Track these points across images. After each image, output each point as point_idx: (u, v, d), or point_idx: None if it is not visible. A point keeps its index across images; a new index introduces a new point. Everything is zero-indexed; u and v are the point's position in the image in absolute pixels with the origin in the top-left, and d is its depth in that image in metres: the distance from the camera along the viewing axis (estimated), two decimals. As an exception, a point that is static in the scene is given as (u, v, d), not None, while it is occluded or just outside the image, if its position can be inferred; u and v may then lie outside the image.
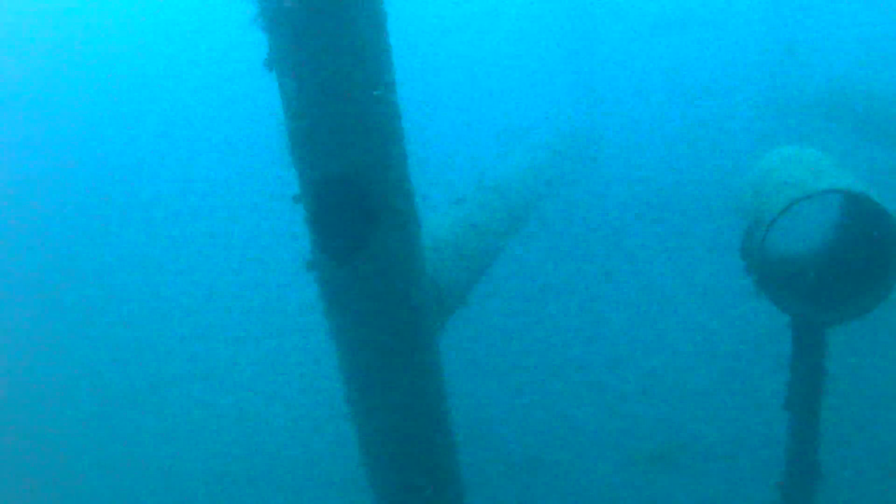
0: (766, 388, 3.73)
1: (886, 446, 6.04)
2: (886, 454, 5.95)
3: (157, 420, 8.38)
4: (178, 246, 13.18)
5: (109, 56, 19.76)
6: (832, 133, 10.84)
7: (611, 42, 15.67)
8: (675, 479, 6.20)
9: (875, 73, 10.64)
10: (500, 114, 17.97)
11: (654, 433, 6.81)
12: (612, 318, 8.91)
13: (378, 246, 3.11)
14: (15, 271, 12.60)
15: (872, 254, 3.16)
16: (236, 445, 7.74)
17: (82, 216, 15.11)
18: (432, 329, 3.56)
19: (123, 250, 13.61)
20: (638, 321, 8.74)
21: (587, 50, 15.01)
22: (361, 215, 3.04)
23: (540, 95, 18.11)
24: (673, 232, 10.33)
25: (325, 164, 2.99)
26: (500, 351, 8.59)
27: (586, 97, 14.96)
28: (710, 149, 14.34)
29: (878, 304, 3.11)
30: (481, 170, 6.62)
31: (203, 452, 7.68)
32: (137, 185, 16.24)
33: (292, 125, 2.99)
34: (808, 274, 3.50)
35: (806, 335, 3.31)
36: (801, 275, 3.50)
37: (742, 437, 6.34)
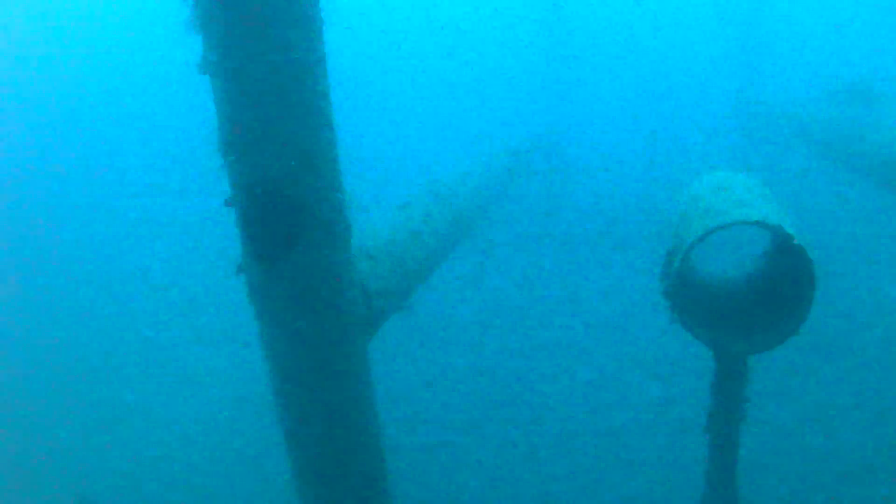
0: (699, 404, 3.75)
1: (804, 468, 6.18)
2: (803, 476, 6.08)
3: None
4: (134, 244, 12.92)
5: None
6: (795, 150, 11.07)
7: (579, 49, 15.71)
8: (602, 487, 6.25)
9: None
10: (467, 118, 17.94)
11: (596, 445, 6.86)
12: (552, 329, 8.97)
13: (305, 252, 3.11)
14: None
15: (788, 284, 3.20)
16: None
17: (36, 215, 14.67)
18: (360, 336, 3.55)
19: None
20: (580, 332, 8.80)
21: (555, 56, 15.06)
22: (288, 221, 3.03)
23: (507, 100, 18.19)
24: (623, 245, 10.42)
25: (253, 169, 2.97)
26: (440, 359, 8.60)
27: (552, 104, 15.02)
28: (674, 163, 14.51)
29: (790, 336, 3.15)
30: (432, 174, 6.61)
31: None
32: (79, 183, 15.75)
33: (222, 129, 2.96)
34: (727, 302, 3.55)
35: (727, 361, 3.35)
36: (720, 302, 3.54)
37: (676, 455, 6.40)
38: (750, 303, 3.51)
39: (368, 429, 3.76)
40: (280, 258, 3.11)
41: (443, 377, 8.21)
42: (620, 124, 18.00)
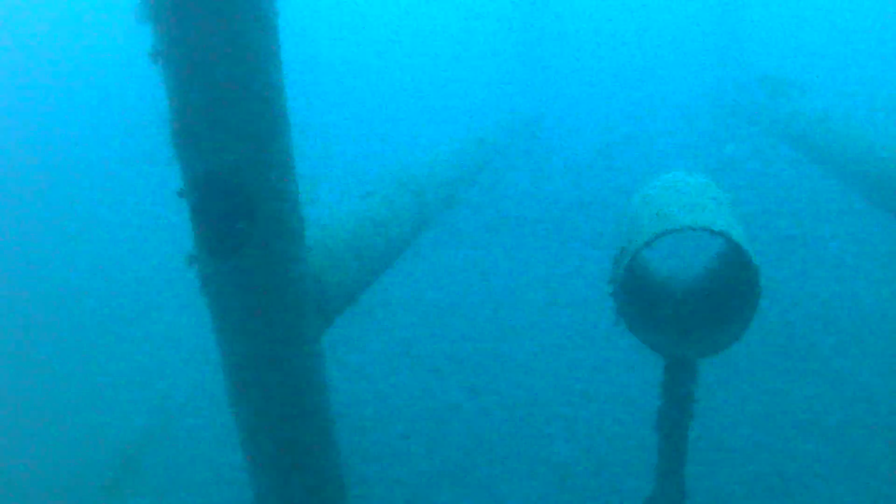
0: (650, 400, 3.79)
1: (751, 467, 6.28)
2: (751, 475, 6.18)
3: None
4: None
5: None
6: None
7: (556, 36, 15.69)
8: (549, 487, 6.30)
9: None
10: (438, 106, 17.83)
11: (550, 441, 6.90)
12: (509, 321, 8.99)
13: (256, 244, 3.08)
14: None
15: (736, 289, 3.23)
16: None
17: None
18: (315, 328, 3.53)
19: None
20: (535, 326, 8.83)
21: (530, 43, 15.03)
22: (240, 213, 3.00)
23: (480, 87, 18.12)
24: (595, 235, 10.42)
25: (204, 161, 2.94)
26: (401, 348, 8.61)
27: (528, 94, 15.00)
28: (650, 154, 14.57)
29: (733, 342, 3.17)
30: (397, 162, 6.58)
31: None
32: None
33: (174, 119, 2.93)
34: (676, 305, 3.56)
35: (675, 362, 3.37)
36: (669, 306, 3.55)
37: (621, 453, 6.47)
38: (698, 306, 3.54)
39: (323, 422, 3.74)
40: (232, 251, 3.09)
41: (404, 367, 8.21)
42: (597, 113, 18.02)
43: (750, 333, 3.21)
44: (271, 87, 2.97)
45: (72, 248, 11.88)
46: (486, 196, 10.81)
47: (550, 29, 15.16)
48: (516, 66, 15.39)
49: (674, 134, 15.81)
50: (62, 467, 6.89)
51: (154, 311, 9.76)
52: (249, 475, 3.71)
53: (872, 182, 6.65)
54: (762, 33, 14.79)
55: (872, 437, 6.67)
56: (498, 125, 11.55)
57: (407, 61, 19.86)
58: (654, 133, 16.23)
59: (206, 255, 3.16)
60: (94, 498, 6.59)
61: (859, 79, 15.03)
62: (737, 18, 14.15)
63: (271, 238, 3.10)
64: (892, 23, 17.69)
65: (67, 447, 7.21)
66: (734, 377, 7.35)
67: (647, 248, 3.22)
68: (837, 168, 7.79)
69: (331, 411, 3.82)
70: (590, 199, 12.27)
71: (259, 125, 2.95)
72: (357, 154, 12.48)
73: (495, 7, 17.85)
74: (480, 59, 19.68)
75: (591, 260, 9.55)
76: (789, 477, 6.19)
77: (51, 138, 15.13)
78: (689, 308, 3.53)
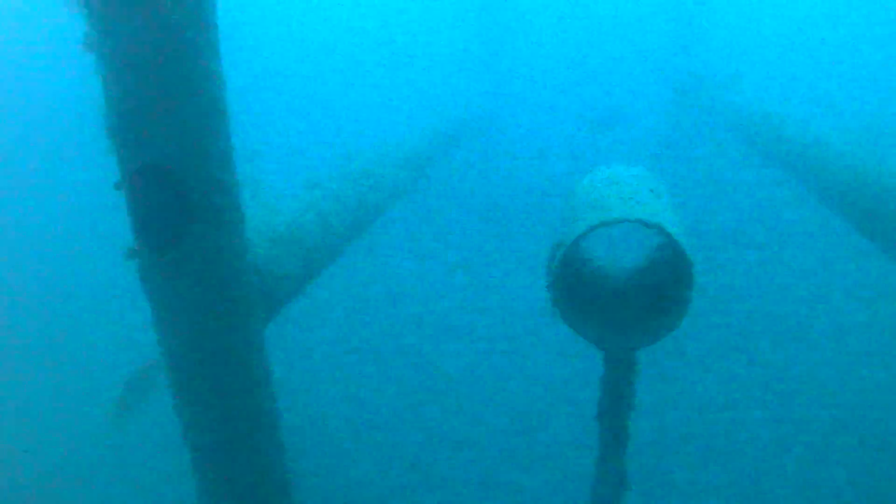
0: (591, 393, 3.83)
1: (692, 456, 6.40)
2: (692, 464, 6.30)
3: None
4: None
5: None
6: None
7: (514, 27, 15.65)
8: (498, 478, 6.34)
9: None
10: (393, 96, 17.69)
11: (494, 430, 6.95)
12: (457, 317, 9.01)
13: (195, 237, 3.04)
14: None
15: (673, 281, 3.27)
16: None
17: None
18: (257, 321, 3.50)
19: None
20: (480, 319, 8.87)
21: (488, 33, 14.98)
22: (177, 207, 2.96)
23: (436, 77, 18.03)
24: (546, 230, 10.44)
25: (140, 152, 2.89)
26: (346, 342, 8.58)
27: (485, 86, 14.93)
28: (609, 149, 14.68)
29: (668, 333, 3.21)
30: (346, 154, 6.52)
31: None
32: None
33: (109, 109, 2.87)
34: (614, 296, 3.60)
35: (614, 354, 3.40)
36: (607, 297, 3.58)
37: (563, 442, 6.53)
38: (636, 298, 3.57)
39: (266, 417, 3.71)
40: (169, 244, 3.04)
41: (348, 362, 8.19)
42: (555, 106, 18.05)
43: (696, 326, 3.26)
44: (209, 77, 2.92)
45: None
46: (436, 188, 10.75)
47: (508, 20, 15.12)
48: (473, 57, 15.35)
49: (633, 127, 15.94)
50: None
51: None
52: (192, 469, 3.67)
53: (822, 180, 6.78)
54: (719, 28, 14.95)
55: (813, 425, 6.84)
56: (451, 117, 11.50)
57: (359, 52, 19.70)
58: (612, 125, 16.35)
59: (143, 248, 3.11)
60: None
61: (816, 74, 15.38)
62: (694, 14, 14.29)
63: (210, 230, 3.06)
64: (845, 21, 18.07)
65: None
66: (678, 369, 7.45)
67: (588, 240, 3.25)
68: (787, 164, 7.96)
69: (275, 405, 3.79)
70: (544, 192, 12.30)
71: (196, 116, 2.90)
72: (307, 146, 12.36)
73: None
74: (436, 50, 19.62)
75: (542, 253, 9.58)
76: (731, 466, 6.31)
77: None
78: (627, 300, 3.56)
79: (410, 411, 7.33)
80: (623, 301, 3.58)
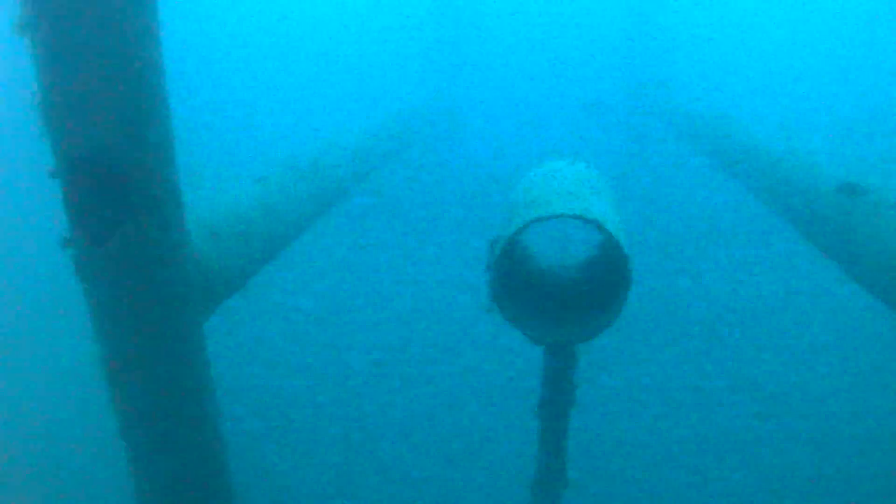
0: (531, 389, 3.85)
1: (632, 455, 6.48)
2: (632, 463, 6.38)
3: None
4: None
5: None
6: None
7: (472, 21, 15.67)
8: (438, 475, 6.35)
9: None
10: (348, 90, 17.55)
11: (436, 425, 6.95)
12: (401, 311, 9.00)
13: (132, 229, 2.97)
14: None
15: (611, 277, 3.30)
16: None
17: None
18: (195, 316, 3.45)
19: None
20: (423, 315, 8.88)
21: (445, 27, 14.95)
22: (113, 197, 2.89)
23: (391, 71, 17.94)
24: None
25: (75, 141, 2.81)
26: (286, 338, 8.51)
27: (441, 83, 14.90)
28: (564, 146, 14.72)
29: (604, 328, 3.24)
30: (295, 148, 6.46)
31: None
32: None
33: (44, 96, 2.79)
34: (554, 291, 3.62)
35: (554, 348, 3.41)
36: (547, 292, 3.60)
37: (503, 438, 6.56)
38: (576, 293, 3.60)
39: (205, 415, 3.66)
40: (105, 235, 2.98)
41: (290, 357, 8.12)
42: (510, 103, 18.09)
43: (644, 322, 3.29)
44: (149, 65, 2.85)
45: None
46: (389, 182, 10.73)
47: (465, 19, 15.13)
48: (430, 52, 15.33)
49: (584, 128, 16.04)
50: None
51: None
52: (129, 468, 3.60)
53: (765, 183, 6.93)
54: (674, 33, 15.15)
55: (754, 421, 6.97)
56: (408, 111, 11.47)
57: (314, 44, 19.54)
58: (564, 125, 16.45)
59: (79, 239, 3.04)
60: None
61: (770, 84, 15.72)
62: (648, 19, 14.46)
63: (147, 222, 3.00)
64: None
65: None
66: (620, 364, 7.54)
67: (530, 236, 3.25)
68: (733, 166, 8.13)
69: (215, 402, 3.74)
70: (497, 187, 12.31)
71: (135, 104, 2.83)
72: (259, 139, 12.23)
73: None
74: (392, 44, 19.54)
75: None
76: (674, 460, 6.39)
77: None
78: (567, 295, 3.58)
79: (347, 407, 7.30)
80: (563, 296, 3.60)
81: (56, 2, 2.61)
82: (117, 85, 2.77)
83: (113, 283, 3.10)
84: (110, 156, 2.82)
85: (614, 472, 6.24)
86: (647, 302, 8.90)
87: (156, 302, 3.19)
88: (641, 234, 10.38)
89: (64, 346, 7.79)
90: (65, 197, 2.97)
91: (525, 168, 3.84)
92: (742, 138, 8.08)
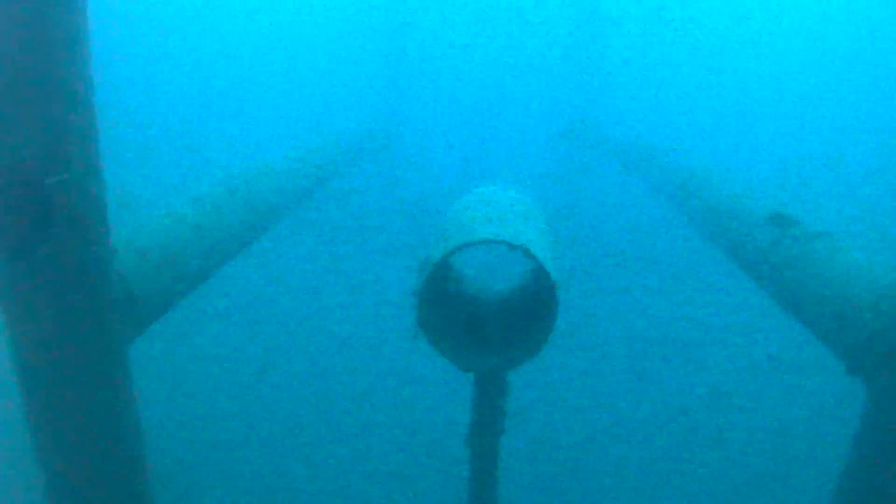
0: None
1: (558, 479, 6.52)
2: (563, 485, 6.41)
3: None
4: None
5: None
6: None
7: (419, 43, 15.72)
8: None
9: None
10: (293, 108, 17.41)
11: (366, 452, 6.90)
12: (335, 336, 8.92)
13: (53, 245, 2.88)
14: None
15: (536, 305, 3.30)
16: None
17: None
18: (120, 338, 3.35)
19: None
20: (358, 340, 8.82)
21: (392, 48, 14.95)
22: (33, 212, 2.80)
23: (337, 90, 17.87)
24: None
25: (-5, 154, 2.72)
26: (213, 363, 8.36)
27: (386, 102, 14.87)
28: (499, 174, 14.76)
29: (532, 356, 3.23)
30: (233, 168, 6.37)
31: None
32: None
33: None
34: (484, 317, 3.60)
35: (485, 376, 3.39)
36: (477, 317, 3.58)
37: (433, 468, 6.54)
38: (504, 319, 3.58)
39: (128, 440, 3.54)
40: (25, 250, 2.88)
41: (220, 380, 7.98)
42: (457, 124, 18.17)
43: (569, 348, 3.29)
44: (74, 76, 2.78)
45: None
46: (328, 205, 10.65)
47: (409, 43, 15.17)
48: (374, 73, 15.33)
49: (528, 152, 16.21)
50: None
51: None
52: (45, 492, 3.47)
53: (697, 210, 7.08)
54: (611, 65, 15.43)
55: (684, 452, 7.08)
56: (348, 135, 11.39)
57: (258, 63, 19.39)
58: (508, 148, 16.60)
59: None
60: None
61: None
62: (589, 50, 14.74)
63: (69, 238, 2.91)
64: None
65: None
66: (551, 389, 7.59)
67: (464, 260, 3.23)
68: (666, 193, 8.31)
69: (137, 426, 3.62)
70: (435, 209, 12.26)
71: (57, 117, 2.75)
72: (201, 156, 12.06)
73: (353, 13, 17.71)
74: (335, 64, 19.48)
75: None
76: (605, 485, 6.43)
77: None
78: (496, 321, 3.56)
79: (273, 429, 7.20)
80: (492, 323, 3.58)
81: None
82: (39, 96, 2.69)
83: (33, 300, 2.99)
84: (30, 169, 2.73)
85: (542, 498, 6.23)
86: (579, 328, 9.05)
87: (76, 320, 3.08)
88: (578, 261, 10.58)
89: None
90: (-16, 211, 2.87)
91: (459, 192, 3.84)
92: (678, 168, 8.26)
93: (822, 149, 15.19)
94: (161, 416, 4.55)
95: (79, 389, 3.23)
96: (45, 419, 3.30)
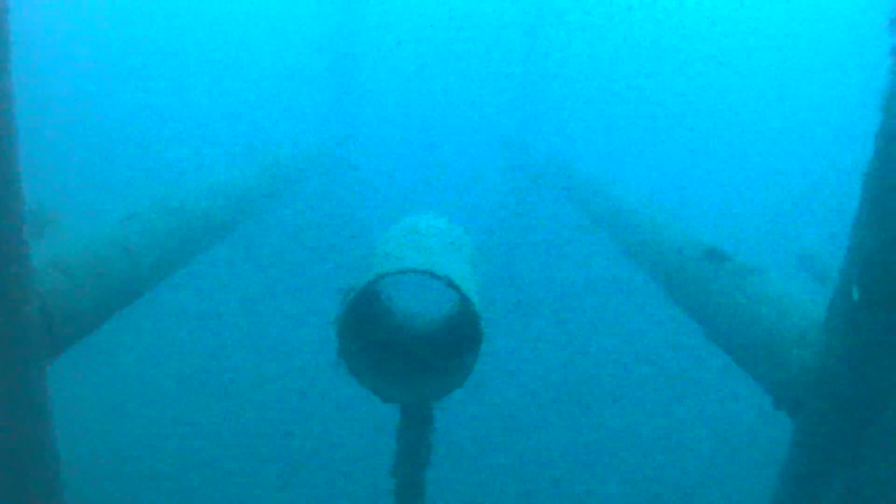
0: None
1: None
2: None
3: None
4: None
5: None
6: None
7: (367, 58, 15.68)
8: None
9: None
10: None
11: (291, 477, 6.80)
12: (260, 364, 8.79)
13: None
14: None
15: (462, 336, 3.26)
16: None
17: None
18: (37, 359, 3.23)
19: None
20: (290, 366, 8.72)
21: (338, 65, 14.87)
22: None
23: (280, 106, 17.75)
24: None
25: None
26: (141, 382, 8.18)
27: (336, 119, 14.76)
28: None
29: (455, 388, 3.18)
30: (170, 187, 6.23)
31: None
32: None
33: None
34: (409, 348, 3.55)
35: (410, 407, 3.34)
36: (397, 349, 3.52)
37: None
38: (429, 350, 3.53)
39: (45, 460, 3.43)
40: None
41: (150, 396, 7.82)
42: (398, 153, 18.20)
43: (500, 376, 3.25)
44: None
45: None
46: (271, 223, 10.51)
47: (351, 70, 15.10)
48: (319, 92, 15.24)
49: (472, 178, 16.28)
50: None
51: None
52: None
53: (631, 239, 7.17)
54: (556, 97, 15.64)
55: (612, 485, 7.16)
56: (295, 149, 11.24)
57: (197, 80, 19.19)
58: (451, 173, 16.69)
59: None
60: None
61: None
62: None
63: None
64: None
65: None
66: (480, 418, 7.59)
67: (392, 290, 3.19)
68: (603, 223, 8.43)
69: (55, 446, 3.50)
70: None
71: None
72: (139, 174, 11.84)
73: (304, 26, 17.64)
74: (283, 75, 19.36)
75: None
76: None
77: None
78: (421, 352, 3.52)
79: (199, 455, 7.06)
80: (417, 354, 3.53)
81: None
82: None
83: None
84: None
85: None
86: (515, 355, 9.11)
87: (-7, 342, 2.97)
88: (513, 290, 10.65)
89: None
90: None
91: (395, 217, 3.80)
92: (616, 198, 8.36)
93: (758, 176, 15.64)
94: (81, 437, 4.39)
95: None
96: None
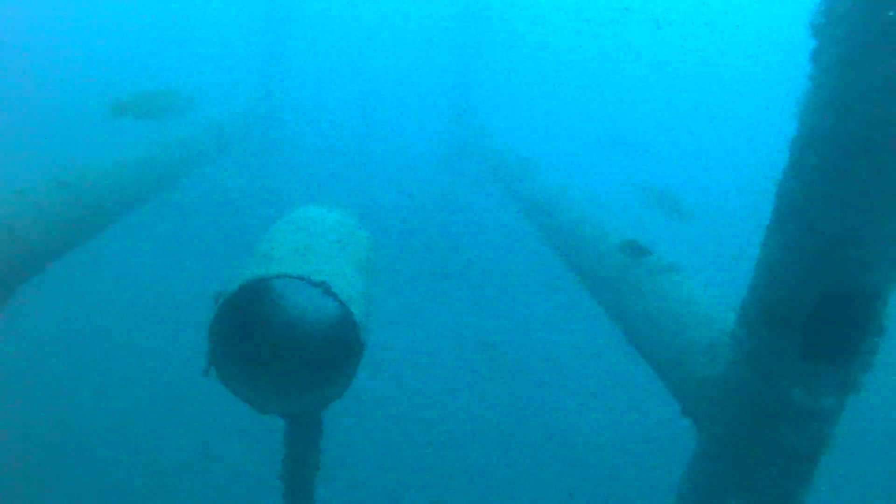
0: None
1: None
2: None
3: None
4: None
5: None
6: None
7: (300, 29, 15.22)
8: None
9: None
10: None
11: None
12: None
13: None
14: None
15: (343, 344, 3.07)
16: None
17: None
18: None
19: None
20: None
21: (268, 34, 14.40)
22: None
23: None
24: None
25: None
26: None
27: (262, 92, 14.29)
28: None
29: (336, 398, 3.00)
30: (67, 161, 5.82)
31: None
32: None
33: None
34: (294, 352, 3.36)
35: (293, 417, 3.15)
36: (276, 355, 3.31)
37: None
38: (310, 357, 3.34)
39: None
40: None
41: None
42: (333, 120, 17.83)
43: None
44: None
45: None
46: (183, 200, 10.05)
47: (289, 29, 14.64)
48: (247, 69, 14.75)
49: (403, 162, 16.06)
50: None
51: None
52: None
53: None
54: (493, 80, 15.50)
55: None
56: (210, 124, 10.68)
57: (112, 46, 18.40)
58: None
59: None
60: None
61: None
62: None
63: None
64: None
65: None
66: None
67: (282, 290, 2.99)
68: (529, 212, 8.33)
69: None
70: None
71: None
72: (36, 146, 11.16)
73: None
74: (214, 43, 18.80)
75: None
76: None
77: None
78: (301, 360, 3.32)
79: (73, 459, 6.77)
80: (298, 361, 3.33)
81: None
82: None
83: None
84: None
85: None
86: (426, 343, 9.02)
87: None
88: (430, 268, 10.55)
89: None
90: None
91: (288, 210, 3.56)
92: (542, 186, 8.24)
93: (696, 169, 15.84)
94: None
95: None
96: None
